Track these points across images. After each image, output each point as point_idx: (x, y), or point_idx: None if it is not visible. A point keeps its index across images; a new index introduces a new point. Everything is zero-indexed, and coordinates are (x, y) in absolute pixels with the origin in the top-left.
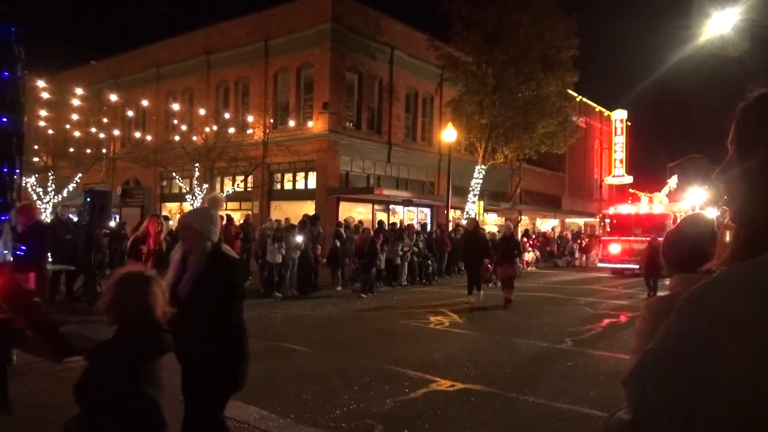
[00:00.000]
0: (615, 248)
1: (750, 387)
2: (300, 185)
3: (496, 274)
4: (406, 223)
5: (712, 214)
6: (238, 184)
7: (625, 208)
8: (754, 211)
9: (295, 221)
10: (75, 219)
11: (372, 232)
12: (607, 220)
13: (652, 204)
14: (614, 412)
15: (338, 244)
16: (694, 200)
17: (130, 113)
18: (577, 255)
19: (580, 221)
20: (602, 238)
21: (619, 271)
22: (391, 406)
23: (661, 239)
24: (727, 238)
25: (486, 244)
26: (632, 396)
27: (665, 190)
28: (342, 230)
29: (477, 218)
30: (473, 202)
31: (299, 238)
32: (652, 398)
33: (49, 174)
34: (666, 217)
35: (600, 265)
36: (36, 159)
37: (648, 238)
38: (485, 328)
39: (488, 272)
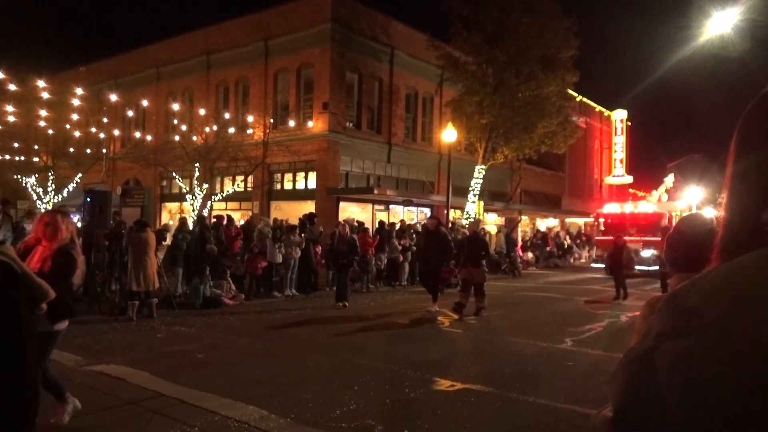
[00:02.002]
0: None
1: (720, 388)
2: (300, 185)
3: (457, 277)
4: (406, 223)
5: (709, 213)
6: (238, 184)
7: (618, 207)
8: (736, 213)
9: (294, 221)
10: (76, 218)
11: (348, 227)
12: (601, 220)
13: (647, 203)
14: (602, 409)
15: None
16: (690, 199)
17: (130, 113)
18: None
19: (580, 221)
20: (596, 237)
21: None
22: (391, 406)
23: (627, 238)
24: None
25: (447, 245)
26: (613, 394)
27: (661, 188)
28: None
29: (438, 216)
30: (473, 202)
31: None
32: (630, 396)
33: (49, 174)
34: (661, 216)
35: (594, 265)
36: (36, 159)
37: (648, 237)
38: (485, 328)
39: (453, 276)
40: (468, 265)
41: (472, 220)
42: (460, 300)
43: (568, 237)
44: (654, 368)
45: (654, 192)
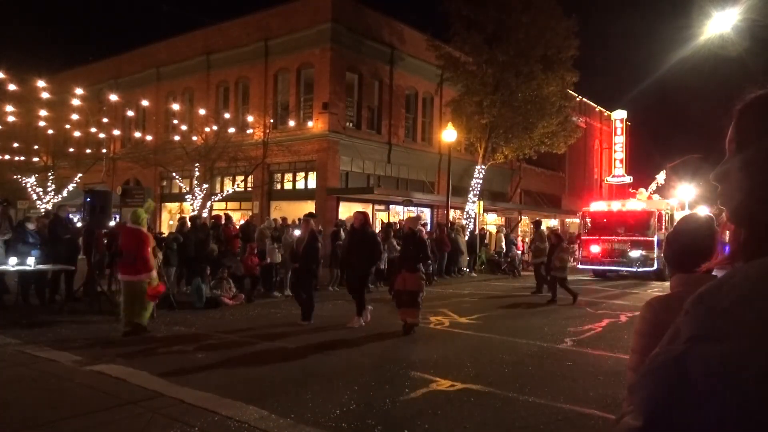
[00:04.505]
0: (596, 249)
1: (762, 390)
2: (300, 185)
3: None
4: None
5: (704, 212)
6: (238, 184)
7: (606, 206)
8: (756, 209)
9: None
10: (75, 218)
11: (312, 224)
12: (588, 219)
13: (636, 201)
14: (621, 416)
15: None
16: (683, 197)
17: (130, 113)
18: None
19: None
20: (582, 237)
21: (601, 273)
22: (391, 406)
23: (615, 238)
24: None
25: (374, 247)
26: (641, 402)
27: (652, 186)
28: (341, 230)
29: (365, 212)
30: (473, 202)
31: (297, 232)
32: (662, 403)
33: (49, 174)
34: (650, 215)
35: (580, 266)
36: (36, 159)
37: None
38: (485, 328)
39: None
40: (402, 270)
41: (411, 216)
42: (409, 319)
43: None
44: (688, 373)
45: (642, 190)
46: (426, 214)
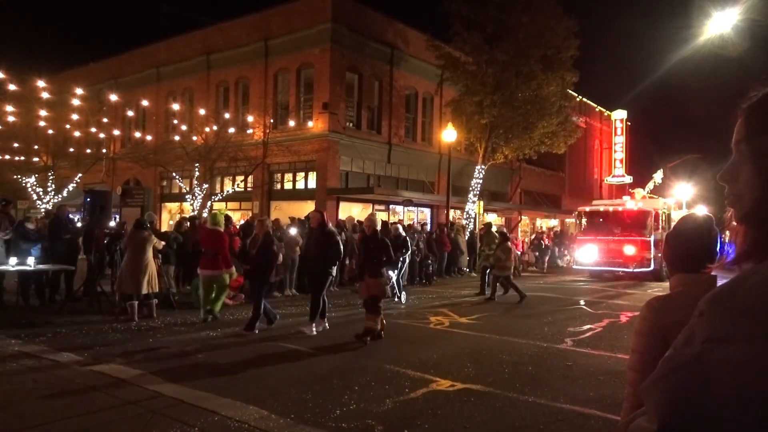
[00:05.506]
0: (592, 249)
1: None
2: (300, 185)
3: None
4: (406, 223)
5: (702, 211)
6: (238, 184)
7: (602, 205)
8: None
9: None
10: (75, 218)
11: (267, 225)
12: (584, 219)
13: (633, 200)
14: (631, 419)
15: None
16: (680, 197)
17: (130, 113)
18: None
19: None
20: (578, 237)
21: (597, 274)
22: (391, 406)
23: (610, 238)
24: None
25: (333, 247)
26: (656, 404)
27: (650, 186)
28: (342, 232)
29: (321, 210)
30: (473, 202)
31: (293, 230)
32: (680, 405)
33: (49, 174)
34: (647, 215)
35: (576, 267)
36: (36, 159)
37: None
38: (485, 328)
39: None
40: (365, 276)
41: (370, 215)
42: (367, 325)
43: (547, 238)
44: (707, 375)
45: (640, 189)
46: (426, 214)
